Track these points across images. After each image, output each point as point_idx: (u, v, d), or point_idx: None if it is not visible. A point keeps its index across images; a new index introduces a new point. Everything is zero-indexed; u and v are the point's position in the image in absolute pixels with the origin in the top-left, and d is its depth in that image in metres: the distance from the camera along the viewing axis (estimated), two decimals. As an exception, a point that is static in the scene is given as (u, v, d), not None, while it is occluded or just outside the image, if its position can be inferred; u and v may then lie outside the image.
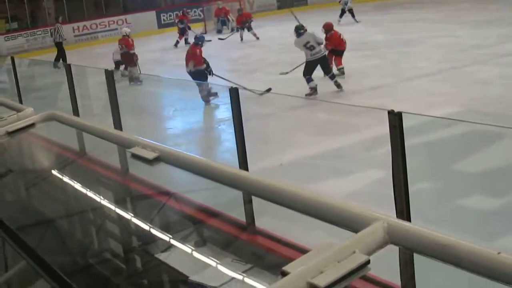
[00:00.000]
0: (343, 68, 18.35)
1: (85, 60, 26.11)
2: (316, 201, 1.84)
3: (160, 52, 29.67)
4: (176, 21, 32.71)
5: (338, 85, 16.51)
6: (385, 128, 5.57)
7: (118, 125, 10.18)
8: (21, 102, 14.20)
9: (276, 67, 20.82)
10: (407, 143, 5.39)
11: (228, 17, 33.95)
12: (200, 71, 16.85)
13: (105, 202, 3.89)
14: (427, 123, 8.92)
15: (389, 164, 5.49)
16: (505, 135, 8.41)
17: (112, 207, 3.88)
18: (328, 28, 19.03)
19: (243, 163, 7.49)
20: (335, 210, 1.76)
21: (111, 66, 20.07)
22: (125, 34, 23.09)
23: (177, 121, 15.71)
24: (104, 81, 10.65)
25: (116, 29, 36.24)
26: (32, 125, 3.52)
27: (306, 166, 10.62)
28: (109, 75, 10.29)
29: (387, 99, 15.00)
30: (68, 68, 12.04)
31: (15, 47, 34.07)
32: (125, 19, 37.01)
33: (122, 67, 22.37)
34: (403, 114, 5.30)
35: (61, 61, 26.03)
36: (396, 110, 5.55)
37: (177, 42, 31.15)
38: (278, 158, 11.08)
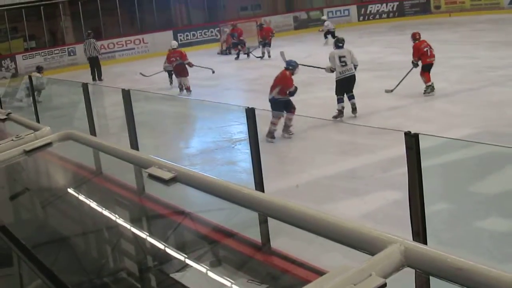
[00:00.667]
0: (431, 85, 17.88)
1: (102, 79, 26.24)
2: (332, 223, 1.83)
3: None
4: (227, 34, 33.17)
5: (354, 109, 16.24)
6: (402, 149, 5.56)
7: (134, 145, 10.20)
8: (38, 120, 14.26)
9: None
10: (423, 164, 5.37)
11: (241, 38, 33.94)
12: (283, 101, 15.55)
13: (120, 221, 3.90)
14: (444, 144, 8.89)
15: (405, 185, 5.48)
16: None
17: (128, 226, 3.88)
18: (414, 37, 19.29)
19: (259, 184, 7.49)
20: (351, 233, 1.75)
21: (128, 85, 20.16)
22: (175, 46, 24.77)
23: (193, 141, 15.72)
24: (120, 101, 10.69)
25: (134, 48, 36.49)
26: (49, 144, 3.54)
27: (323, 187, 10.61)
28: (126, 94, 10.32)
29: (404, 119, 15.00)
30: (85, 87, 12.07)
31: (33, 66, 34.15)
32: (142, 39, 37.19)
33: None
34: (419, 136, 5.29)
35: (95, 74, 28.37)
36: (413, 131, 5.54)
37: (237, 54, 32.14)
38: (294, 178, 11.08)
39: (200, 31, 38.22)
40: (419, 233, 5.36)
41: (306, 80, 21.71)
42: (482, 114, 14.63)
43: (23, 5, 34.41)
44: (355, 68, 16.72)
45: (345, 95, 16.45)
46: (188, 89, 23.18)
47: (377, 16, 42.77)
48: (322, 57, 27.13)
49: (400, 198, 7.27)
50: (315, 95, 19.13)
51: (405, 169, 5.49)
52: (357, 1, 44.68)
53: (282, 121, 14.41)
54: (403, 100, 17.01)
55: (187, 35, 38.40)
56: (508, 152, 7.70)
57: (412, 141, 5.22)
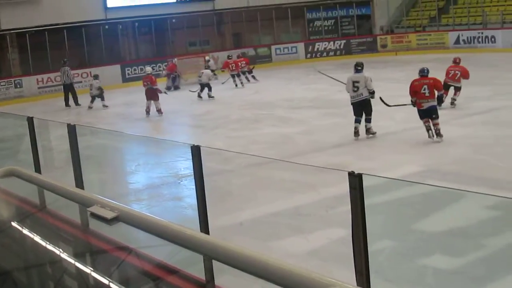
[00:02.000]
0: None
1: (48, 113, 26.07)
2: (274, 266, 1.85)
3: (124, 106, 29.60)
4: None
5: (369, 130, 17.08)
6: (345, 187, 5.60)
7: (79, 180, 10.13)
8: (-18, 154, 14.10)
9: (239, 123, 20.91)
10: (367, 202, 5.41)
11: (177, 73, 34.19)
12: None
13: (64, 256, 3.87)
14: (388, 182, 8.97)
15: (349, 223, 5.52)
16: (464, 195, 8.49)
17: (71, 261, 3.85)
18: (454, 61, 21.62)
19: (204, 221, 7.48)
20: (293, 276, 1.77)
21: (74, 119, 20.09)
22: (149, 72, 26.56)
23: (139, 176, 15.64)
24: (66, 134, 10.62)
25: (81, 81, 36.17)
26: (-9, 180, 3.51)
27: (267, 224, 10.61)
28: (72, 129, 10.25)
29: (349, 157, 15.12)
30: (30, 121, 11.96)
31: (-22, 96, 33.92)
32: (90, 72, 36.88)
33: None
34: (363, 175, 5.33)
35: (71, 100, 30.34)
36: (357, 169, 5.59)
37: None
38: (238, 214, 11.08)
39: (148, 65, 38.26)
40: (362, 272, 5.40)
41: (252, 117, 21.84)
42: (426, 153, 14.82)
43: (-31, 36, 34.11)
44: (370, 93, 17.22)
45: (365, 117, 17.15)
46: (159, 111, 24.77)
47: (325, 54, 43.18)
48: (269, 93, 27.35)
49: (345, 235, 7.30)
50: (260, 131, 19.20)
51: (349, 206, 5.53)
52: (304, 39, 45.09)
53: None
54: (348, 137, 17.11)
55: (135, 69, 38.28)
56: (451, 191, 7.81)
57: (355, 181, 5.26)
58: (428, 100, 16.61)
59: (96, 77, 29.95)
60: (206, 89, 28.89)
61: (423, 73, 17.38)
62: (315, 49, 43.80)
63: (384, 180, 8.44)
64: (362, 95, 17.16)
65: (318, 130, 18.55)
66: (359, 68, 17.55)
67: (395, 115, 19.24)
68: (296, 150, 16.30)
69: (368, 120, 17.15)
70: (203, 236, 2.16)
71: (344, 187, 5.84)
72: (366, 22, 45.88)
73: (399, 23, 44.39)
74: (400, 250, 8.92)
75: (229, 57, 34.63)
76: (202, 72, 29.77)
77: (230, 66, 33.37)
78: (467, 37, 39.13)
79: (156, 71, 34.62)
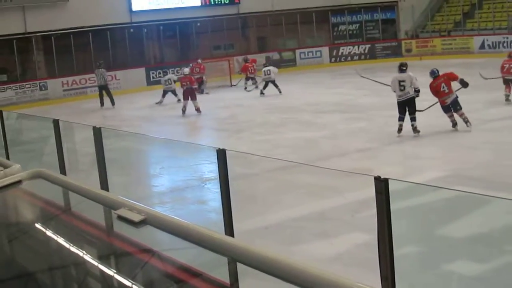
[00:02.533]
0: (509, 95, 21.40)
1: (73, 115, 26.17)
2: (300, 270, 1.85)
3: (148, 109, 29.72)
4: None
5: (415, 129, 17.55)
6: (370, 191, 5.58)
7: (104, 183, 10.15)
8: (7, 155, 14.17)
9: (263, 127, 20.91)
10: (392, 207, 5.39)
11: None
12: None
13: (89, 259, 3.88)
14: (413, 187, 8.94)
15: (373, 227, 5.50)
16: (488, 201, 8.44)
17: (96, 264, 3.86)
18: (509, 55, 22.31)
19: (229, 225, 7.47)
20: (318, 279, 1.77)
21: (98, 121, 20.23)
22: (187, 73, 27.49)
23: (163, 179, 15.67)
24: (91, 137, 10.66)
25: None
26: (18, 182, 3.52)
27: (291, 228, 10.60)
28: (97, 132, 10.29)
29: (373, 161, 15.07)
30: (56, 123, 12.01)
31: (3, 99, 34.02)
32: (115, 75, 37.13)
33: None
34: (389, 180, 5.31)
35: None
36: (381, 173, 5.56)
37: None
38: (263, 218, 11.07)
39: (173, 69, 38.24)
40: (388, 277, 5.37)
41: (276, 121, 21.83)
42: (451, 158, 14.76)
43: (-5, 38, 34.34)
44: (416, 91, 18.02)
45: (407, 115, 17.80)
46: (198, 110, 25.90)
47: (349, 58, 43.08)
48: (293, 97, 27.34)
49: (369, 240, 7.28)
50: (284, 135, 19.19)
51: (373, 211, 5.50)
52: (329, 43, 45.02)
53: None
54: (373, 142, 17.09)
55: (159, 73, 38.34)
56: (475, 196, 7.77)
57: (381, 185, 5.23)
58: (449, 95, 18.08)
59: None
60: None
61: (435, 74, 18.92)
62: (340, 53, 43.74)
63: (408, 185, 8.42)
64: (409, 93, 17.91)
65: (342, 134, 18.54)
66: (404, 68, 18.56)
67: (419, 120, 19.17)
68: (320, 154, 16.28)
69: (413, 119, 17.72)
70: (231, 239, 2.16)
71: (368, 191, 5.82)
72: (390, 26, 45.71)
73: (424, 28, 44.19)
74: (424, 255, 8.88)
75: (246, 60, 34.69)
76: (269, 70, 30.66)
77: (250, 69, 33.56)
78: (492, 42, 38.89)
79: (181, 74, 34.52)
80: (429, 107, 18.95)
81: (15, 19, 35.36)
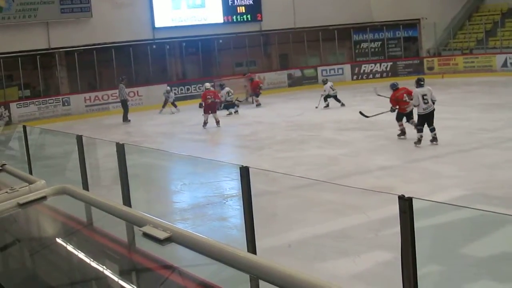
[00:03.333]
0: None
1: (95, 131, 26.31)
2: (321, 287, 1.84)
3: (170, 125, 29.83)
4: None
5: (435, 138, 18.62)
6: (392, 209, 5.56)
7: (127, 199, 10.17)
8: (30, 170, 14.24)
9: (285, 144, 20.91)
10: (415, 225, 5.37)
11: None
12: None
13: (112, 276, 3.89)
14: (434, 205, 8.90)
15: (396, 246, 5.47)
16: (510, 221, 8.39)
17: (119, 280, 3.87)
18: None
19: (251, 242, 7.46)
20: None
21: (120, 137, 20.34)
22: (208, 87, 29.32)
23: (184, 195, 15.68)
24: (113, 153, 10.68)
25: (128, 100, 36.58)
26: (43, 197, 3.54)
27: (313, 246, 10.58)
28: (120, 148, 10.31)
29: (395, 179, 15.02)
30: (79, 139, 12.06)
31: (27, 114, 34.30)
32: (137, 91, 37.34)
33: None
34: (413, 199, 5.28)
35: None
36: (404, 191, 5.54)
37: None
38: (284, 236, 11.05)
39: (195, 85, 38.39)
40: (411, 296, 5.34)
41: (298, 138, 21.83)
42: (473, 176, 14.66)
43: (19, 53, 34.53)
44: (433, 103, 18.97)
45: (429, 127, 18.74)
46: (218, 122, 27.22)
47: (371, 76, 43.06)
48: (314, 115, 27.32)
49: (391, 259, 7.27)
50: (306, 153, 19.18)
51: (395, 229, 5.48)
52: (351, 61, 45.04)
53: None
54: (394, 160, 17.06)
55: (181, 89, 38.53)
56: (498, 216, 7.72)
57: (406, 204, 5.19)
58: (409, 105, 20.33)
59: (222, 86, 32.54)
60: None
61: (396, 86, 21.62)
62: (362, 71, 43.73)
63: (430, 204, 8.38)
64: (431, 106, 18.90)
65: (364, 152, 18.50)
66: (422, 82, 19.51)
67: (442, 138, 19.13)
68: (342, 171, 16.25)
69: (433, 130, 18.71)
70: (253, 256, 2.16)
71: (390, 209, 5.80)
72: (412, 44, 45.68)
73: (446, 46, 44.10)
74: (447, 274, 8.84)
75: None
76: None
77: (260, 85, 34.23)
78: (515, 60, 38.78)
79: (203, 91, 34.58)
80: (376, 115, 21.38)
81: (39, 35, 35.67)
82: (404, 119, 20.29)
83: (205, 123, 27.21)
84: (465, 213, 9.13)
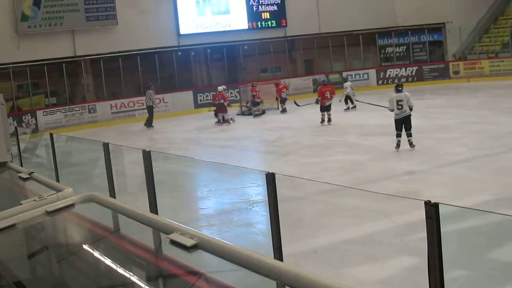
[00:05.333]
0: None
1: (121, 137, 26.45)
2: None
3: (196, 131, 29.92)
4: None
5: (411, 144, 19.08)
6: (418, 214, 5.55)
7: (153, 206, 10.20)
8: (57, 177, 14.32)
9: (311, 150, 20.90)
10: (441, 230, 5.35)
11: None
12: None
13: (135, 280, 3.91)
14: (461, 210, 8.87)
15: (422, 251, 5.46)
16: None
17: (142, 285, 3.90)
18: None
19: (278, 248, 7.46)
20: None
21: (146, 144, 20.46)
22: (220, 90, 32.43)
23: (210, 201, 15.71)
24: (139, 160, 10.73)
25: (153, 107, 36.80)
26: (71, 205, 3.57)
27: (339, 251, 10.57)
28: (147, 155, 10.35)
29: (422, 184, 14.99)
30: (106, 146, 12.11)
31: (53, 122, 34.53)
32: (163, 98, 37.45)
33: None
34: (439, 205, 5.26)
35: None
36: (429, 196, 5.53)
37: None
38: (310, 241, 11.05)
39: (220, 86, 38.62)
40: (438, 301, 5.32)
41: (323, 143, 21.81)
42: (500, 180, 14.57)
43: (45, 61, 34.78)
44: (411, 109, 19.49)
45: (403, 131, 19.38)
46: (227, 121, 31.08)
47: (396, 80, 42.90)
48: (341, 121, 27.30)
49: (417, 264, 7.25)
50: (331, 158, 19.17)
51: (421, 234, 5.47)
52: (376, 65, 44.96)
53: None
54: (420, 165, 17.00)
55: (207, 95, 38.56)
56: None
57: (432, 210, 5.17)
58: (329, 100, 27.99)
59: (346, 79, 35.77)
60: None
61: (324, 82, 31.23)
62: (387, 76, 43.61)
63: (456, 209, 8.36)
64: (406, 111, 19.42)
65: (389, 157, 18.46)
66: (400, 88, 20.07)
67: (468, 142, 19.08)
68: (368, 177, 16.22)
69: (409, 135, 19.28)
70: (280, 263, 2.18)
71: (416, 214, 5.79)
72: (438, 48, 45.51)
73: (471, 49, 43.88)
74: (474, 279, 8.80)
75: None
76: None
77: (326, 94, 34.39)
78: (541, 64, 38.56)
79: (229, 97, 34.63)
80: (305, 105, 25.13)
81: (64, 42, 35.89)
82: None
83: (218, 122, 31.26)
84: (491, 218, 9.08)
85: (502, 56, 41.37)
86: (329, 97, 28.02)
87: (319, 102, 28.04)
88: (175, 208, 13.85)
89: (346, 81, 34.14)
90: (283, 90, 34.59)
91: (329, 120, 27.54)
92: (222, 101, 31.59)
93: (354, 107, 32.10)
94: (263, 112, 33.86)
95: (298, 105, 24.69)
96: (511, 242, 9.39)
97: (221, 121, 31.00)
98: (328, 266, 9.67)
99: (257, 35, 41.72)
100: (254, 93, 33.76)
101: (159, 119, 34.46)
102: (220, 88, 32.85)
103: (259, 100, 33.99)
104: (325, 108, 27.83)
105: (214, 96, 32.90)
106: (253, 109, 33.82)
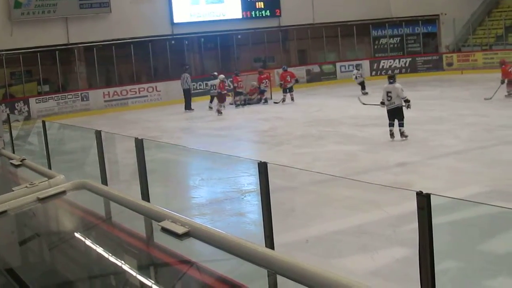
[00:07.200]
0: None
1: (114, 126, 26.40)
2: (340, 284, 1.85)
3: (188, 120, 29.93)
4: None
5: (402, 134, 19.39)
6: (410, 205, 5.56)
7: (145, 194, 10.20)
8: (49, 165, 14.31)
9: (303, 140, 20.90)
10: (433, 221, 5.35)
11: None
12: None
13: (130, 270, 3.91)
14: (453, 202, 8.88)
15: (413, 242, 5.47)
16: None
17: (137, 275, 3.89)
18: (500, 62, 29.36)
19: (269, 237, 7.47)
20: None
21: (139, 132, 20.44)
22: (221, 79, 32.45)
23: (203, 190, 15.71)
24: (131, 148, 10.72)
25: (146, 96, 36.77)
26: (63, 192, 3.56)
27: (331, 242, 10.58)
28: (139, 143, 10.34)
29: (414, 176, 15.00)
30: (98, 134, 12.09)
31: (45, 109, 34.46)
32: (155, 87, 37.43)
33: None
34: (431, 196, 5.26)
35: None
36: (422, 188, 5.53)
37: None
38: (302, 231, 11.05)
39: (213, 80, 38.53)
40: (428, 292, 5.33)
41: (316, 133, 21.81)
42: (492, 173, 14.60)
43: (38, 49, 34.70)
44: (405, 101, 19.89)
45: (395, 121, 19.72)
46: (219, 111, 30.86)
47: (390, 72, 42.82)
48: (334, 111, 27.30)
49: (409, 255, 7.25)
50: (324, 148, 19.17)
51: (413, 225, 5.47)
52: (369, 56, 44.94)
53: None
54: (413, 156, 17.03)
55: (200, 84, 38.50)
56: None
57: (423, 201, 5.18)
58: (290, 83, 33.65)
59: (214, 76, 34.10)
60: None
61: (284, 69, 35.15)
62: (380, 67, 43.60)
63: (448, 200, 8.36)
64: (395, 103, 19.78)
65: (382, 148, 18.48)
66: (391, 80, 20.41)
67: (461, 134, 19.11)
68: (360, 167, 16.23)
69: (401, 125, 19.53)
70: (271, 252, 2.17)
71: (408, 205, 5.80)
72: (432, 40, 45.49)
73: (465, 42, 43.88)
74: (465, 271, 8.82)
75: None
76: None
77: (287, 78, 34.52)
78: (535, 56, 38.54)
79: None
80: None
81: (57, 30, 35.79)
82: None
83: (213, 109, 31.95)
84: (483, 209, 9.10)
85: (496, 49, 41.33)
86: (289, 80, 33.87)
87: (282, 86, 34.12)
88: (167, 196, 13.85)
89: (357, 69, 36.28)
90: (263, 81, 34.36)
91: (292, 99, 33.17)
92: (220, 90, 31.66)
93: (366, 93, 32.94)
94: (246, 102, 33.92)
95: (364, 104, 24.52)
96: (502, 234, 9.40)
97: (217, 110, 31.04)
98: (320, 256, 9.68)
99: (251, 25, 41.66)
100: (236, 84, 33.68)
101: (152, 107, 34.49)
102: (221, 76, 32.81)
103: (241, 90, 33.91)
104: (288, 90, 33.60)
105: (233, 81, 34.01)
106: (235, 98, 33.82)
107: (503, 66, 28.41)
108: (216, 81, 32.77)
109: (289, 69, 36.85)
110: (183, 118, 30.58)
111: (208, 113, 31.20)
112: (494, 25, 43.05)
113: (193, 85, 37.44)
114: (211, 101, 33.08)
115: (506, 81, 27.54)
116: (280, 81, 34.73)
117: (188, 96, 34.03)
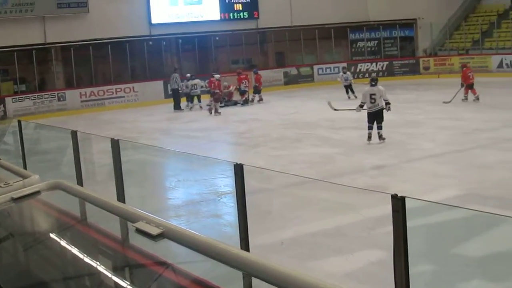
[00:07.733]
0: (478, 95, 27.80)
1: (91, 126, 26.29)
2: (314, 286, 1.85)
3: (166, 121, 29.89)
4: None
5: (380, 136, 19.44)
6: (385, 208, 5.57)
7: (121, 194, 10.17)
8: (25, 165, 14.23)
9: (280, 142, 20.91)
10: (408, 224, 5.37)
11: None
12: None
13: (104, 271, 3.89)
14: (428, 205, 8.90)
15: (389, 245, 5.48)
16: (505, 220, 8.39)
17: (111, 276, 3.87)
18: (461, 66, 30.25)
19: (245, 239, 7.47)
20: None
21: (116, 133, 20.39)
22: (216, 78, 32.39)
23: (179, 192, 15.68)
24: (108, 148, 10.68)
25: (123, 96, 36.65)
26: (37, 192, 3.54)
27: (306, 244, 10.59)
28: (115, 144, 10.31)
29: (390, 179, 15.04)
30: (74, 134, 12.05)
31: (22, 109, 34.28)
32: (133, 88, 37.35)
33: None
34: (406, 198, 5.28)
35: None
36: (397, 191, 5.55)
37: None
38: (278, 233, 11.06)
39: (191, 81, 38.46)
40: (403, 295, 5.35)
41: (293, 136, 21.82)
42: (468, 176, 14.68)
43: (15, 48, 34.51)
44: (386, 103, 19.98)
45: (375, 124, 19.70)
46: (216, 110, 30.79)
47: (367, 75, 42.95)
48: (311, 114, 27.34)
49: (384, 257, 7.26)
50: (301, 151, 19.18)
51: (389, 228, 5.49)
52: (347, 59, 45.02)
53: None
54: (389, 159, 17.07)
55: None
56: (492, 216, 7.74)
57: (398, 203, 5.20)
58: (246, 86, 34.18)
59: (192, 77, 34.84)
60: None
61: (256, 72, 35.60)
62: (358, 70, 43.66)
63: (424, 203, 8.39)
64: (379, 105, 19.83)
65: (359, 151, 18.52)
66: (374, 83, 20.39)
67: (437, 138, 19.19)
68: (337, 170, 16.26)
69: (379, 127, 19.65)
70: (246, 254, 2.17)
71: (384, 208, 5.81)
72: (409, 44, 45.70)
73: (442, 46, 44.15)
74: (439, 274, 8.84)
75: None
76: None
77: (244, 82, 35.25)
78: (510, 61, 38.78)
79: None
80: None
81: (35, 29, 35.65)
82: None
83: (210, 111, 31.20)
84: (459, 213, 9.14)
85: (472, 53, 41.61)
86: (246, 84, 34.46)
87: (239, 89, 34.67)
88: (143, 197, 13.81)
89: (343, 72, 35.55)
90: (242, 81, 34.45)
91: (252, 101, 34.66)
92: (213, 89, 31.67)
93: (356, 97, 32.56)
94: (224, 105, 33.82)
95: (335, 109, 24.33)
96: (477, 237, 9.44)
97: (212, 109, 31.04)
98: (295, 258, 9.69)
99: (229, 26, 41.67)
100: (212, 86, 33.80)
101: (129, 108, 34.43)
102: (216, 76, 32.89)
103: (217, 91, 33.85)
104: (244, 92, 34.28)
105: (209, 83, 33.10)
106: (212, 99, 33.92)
107: (464, 69, 29.02)
108: (196, 81, 33.43)
109: (268, 72, 36.98)
110: (160, 119, 30.53)
111: (184, 114, 31.16)
112: (471, 30, 43.34)
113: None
114: (191, 101, 33.53)
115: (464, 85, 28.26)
116: (238, 85, 34.88)
117: (176, 96, 34.27)
